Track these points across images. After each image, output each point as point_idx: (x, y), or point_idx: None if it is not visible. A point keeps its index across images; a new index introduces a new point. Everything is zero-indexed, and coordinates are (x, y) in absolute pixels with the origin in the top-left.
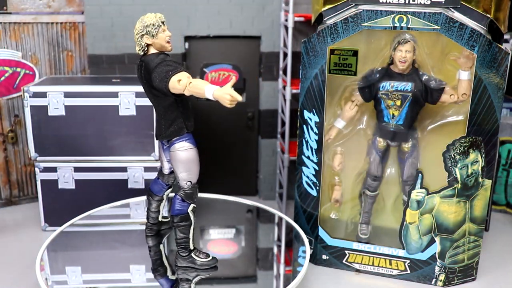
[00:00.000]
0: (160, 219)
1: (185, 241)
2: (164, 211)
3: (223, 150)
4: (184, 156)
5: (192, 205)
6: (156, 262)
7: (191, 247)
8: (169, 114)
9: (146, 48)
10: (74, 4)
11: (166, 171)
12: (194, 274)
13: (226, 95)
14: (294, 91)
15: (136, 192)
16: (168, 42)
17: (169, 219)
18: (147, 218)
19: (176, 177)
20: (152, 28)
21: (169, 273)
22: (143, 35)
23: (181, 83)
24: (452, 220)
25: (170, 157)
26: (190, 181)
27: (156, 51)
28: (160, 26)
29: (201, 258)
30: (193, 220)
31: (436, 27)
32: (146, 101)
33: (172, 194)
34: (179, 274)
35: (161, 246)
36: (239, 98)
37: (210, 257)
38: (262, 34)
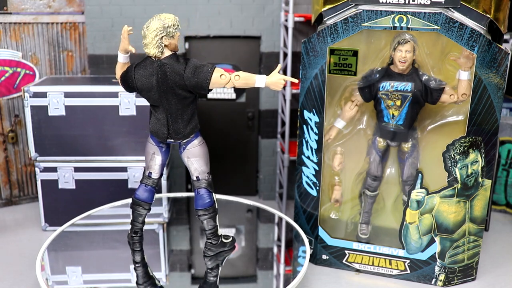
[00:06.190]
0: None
1: (217, 229)
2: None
3: (223, 150)
4: (204, 149)
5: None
6: (145, 276)
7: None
8: (187, 113)
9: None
10: (74, 4)
11: (156, 175)
12: (222, 257)
13: (280, 80)
14: (294, 91)
15: None
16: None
17: None
18: (134, 232)
19: (191, 173)
20: (172, 29)
21: (158, 283)
22: (163, 36)
23: (223, 77)
24: (452, 220)
25: (187, 155)
26: (209, 172)
27: (170, 52)
28: (178, 26)
29: (227, 239)
30: None
31: (436, 27)
32: (146, 101)
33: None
34: (210, 263)
35: (145, 258)
36: (294, 80)
37: (230, 237)
38: (262, 34)
